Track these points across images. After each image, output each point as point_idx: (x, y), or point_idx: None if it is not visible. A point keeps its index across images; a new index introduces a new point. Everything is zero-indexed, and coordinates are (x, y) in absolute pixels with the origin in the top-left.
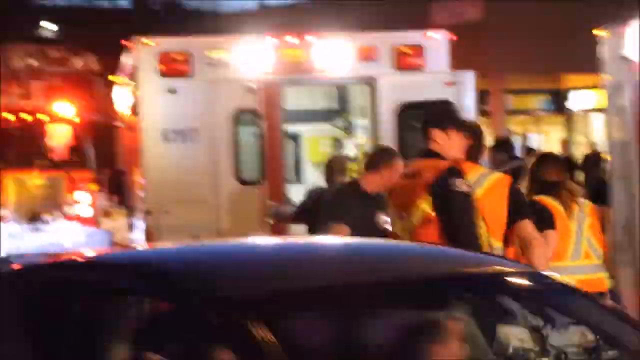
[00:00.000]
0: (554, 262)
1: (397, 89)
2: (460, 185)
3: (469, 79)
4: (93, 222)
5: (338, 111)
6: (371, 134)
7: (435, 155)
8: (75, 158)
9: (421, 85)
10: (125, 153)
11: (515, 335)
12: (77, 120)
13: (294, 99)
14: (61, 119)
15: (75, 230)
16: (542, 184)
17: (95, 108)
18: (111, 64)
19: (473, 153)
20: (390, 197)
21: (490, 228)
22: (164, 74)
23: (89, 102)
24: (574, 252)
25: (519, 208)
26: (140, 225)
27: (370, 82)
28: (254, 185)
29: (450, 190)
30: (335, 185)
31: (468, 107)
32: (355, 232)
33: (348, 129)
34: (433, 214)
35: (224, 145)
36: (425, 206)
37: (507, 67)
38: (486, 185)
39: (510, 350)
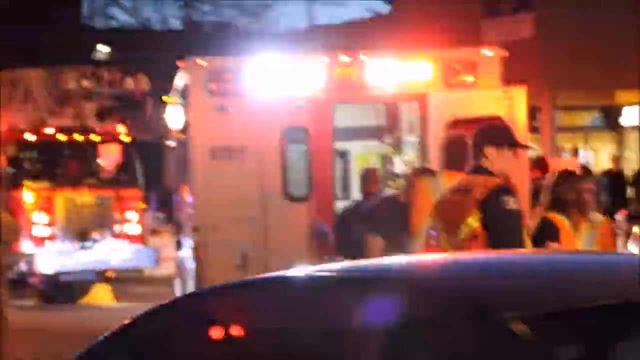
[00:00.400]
0: None
1: (448, 105)
2: (510, 203)
3: (520, 95)
4: (141, 239)
5: (388, 128)
6: (420, 150)
7: (486, 171)
8: (125, 177)
9: (472, 102)
10: (174, 171)
11: None
12: (127, 139)
13: (345, 117)
14: (111, 138)
15: (123, 248)
16: (556, 200)
17: (146, 128)
18: (162, 85)
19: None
20: (437, 211)
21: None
22: (214, 93)
23: (140, 122)
24: None
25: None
26: (187, 242)
27: (420, 99)
28: (301, 201)
29: (500, 207)
30: (372, 197)
31: (519, 123)
32: (390, 245)
33: (397, 146)
34: (480, 229)
35: (272, 162)
36: (473, 222)
37: (557, 83)
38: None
39: None
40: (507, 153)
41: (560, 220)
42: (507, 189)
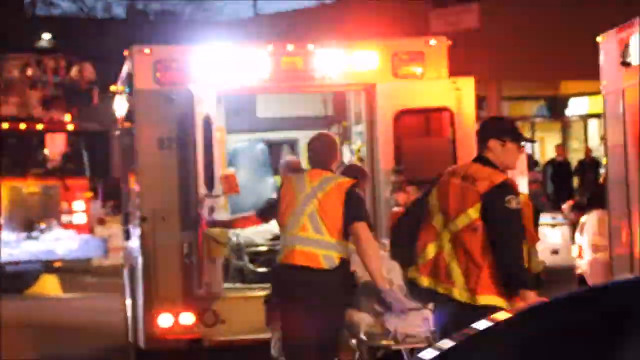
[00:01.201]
0: None
1: (396, 95)
2: (513, 202)
3: (468, 86)
4: (88, 229)
5: (335, 118)
6: (368, 140)
7: (489, 163)
8: (71, 166)
9: (420, 92)
10: (121, 161)
11: None
12: (72, 128)
13: (292, 106)
14: (57, 127)
15: (70, 238)
16: None
17: (91, 117)
18: (106, 73)
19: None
20: (438, 194)
21: (329, 227)
22: (160, 82)
23: (86, 111)
24: None
25: (354, 211)
26: (135, 232)
27: (368, 89)
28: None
29: (503, 205)
30: None
31: (467, 113)
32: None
33: (345, 136)
34: (479, 222)
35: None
36: (473, 213)
37: (504, 74)
38: (327, 189)
39: None
40: (511, 147)
41: None
42: (511, 187)
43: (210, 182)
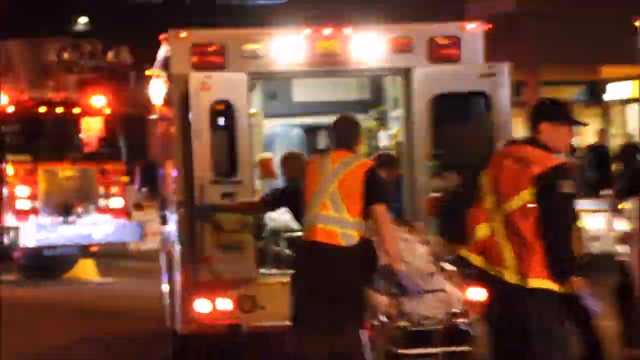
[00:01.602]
0: None
1: (432, 80)
2: (567, 187)
3: (504, 71)
4: (125, 214)
5: (372, 102)
6: (405, 125)
7: (540, 145)
8: (107, 150)
9: (457, 77)
10: (159, 145)
11: None
12: (109, 112)
13: (328, 90)
14: (94, 111)
15: (107, 222)
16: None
17: (128, 101)
18: (143, 57)
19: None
20: (489, 172)
21: (348, 206)
22: (196, 66)
23: (122, 95)
24: None
25: (374, 192)
26: (172, 217)
27: (405, 73)
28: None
29: (557, 190)
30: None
31: (503, 98)
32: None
33: (382, 120)
34: (533, 205)
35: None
36: (526, 196)
37: (542, 58)
38: (348, 169)
39: None
40: (562, 130)
41: None
42: (565, 171)
43: (230, 167)
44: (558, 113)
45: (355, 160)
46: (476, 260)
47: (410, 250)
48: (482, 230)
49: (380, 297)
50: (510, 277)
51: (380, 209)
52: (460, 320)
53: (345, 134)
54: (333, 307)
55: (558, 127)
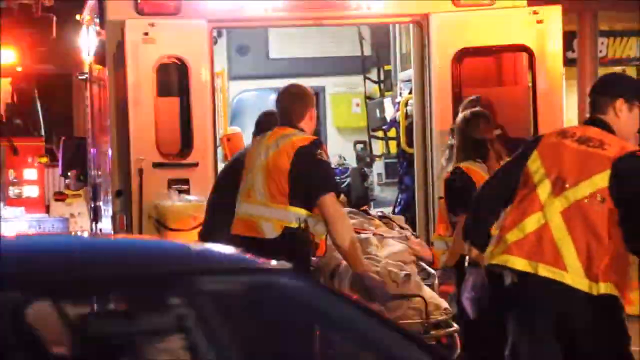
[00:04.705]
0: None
1: (456, 29)
2: None
3: (553, 17)
4: (42, 207)
5: (373, 60)
6: (418, 89)
7: (607, 128)
8: (19, 122)
9: (489, 26)
10: (89, 115)
11: None
12: (20, 70)
13: (316, 43)
14: (0, 69)
15: (19, 218)
16: (467, 147)
17: (48, 56)
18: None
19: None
20: (542, 154)
21: (272, 190)
22: (141, 12)
23: (39, 48)
24: None
25: (312, 177)
26: (107, 210)
27: (419, 21)
28: None
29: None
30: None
31: (552, 54)
32: None
33: (386, 84)
34: (607, 192)
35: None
36: (600, 181)
37: (601, 3)
38: (280, 147)
39: None
40: (636, 111)
41: (475, 170)
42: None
43: (182, 146)
44: (636, 91)
45: (292, 136)
46: (518, 263)
47: (382, 247)
48: (531, 223)
49: None
50: (573, 280)
51: (326, 201)
52: (443, 332)
53: (287, 108)
54: None
55: (635, 108)
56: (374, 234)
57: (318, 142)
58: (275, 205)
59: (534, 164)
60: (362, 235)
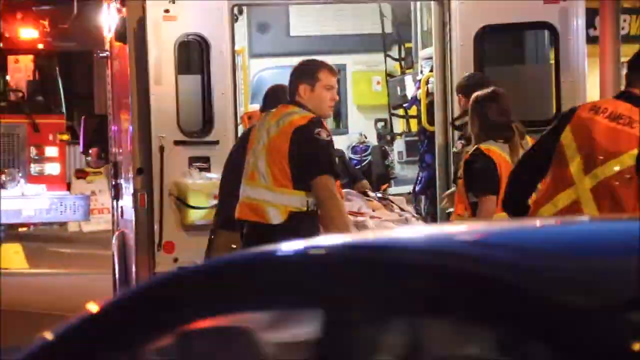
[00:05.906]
0: None
1: (477, 6)
2: None
3: None
4: (63, 184)
5: (394, 38)
6: (439, 67)
7: (639, 102)
8: (41, 99)
9: (511, 3)
10: (110, 93)
11: None
12: (42, 48)
13: (336, 21)
14: (22, 46)
15: (40, 195)
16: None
17: (69, 33)
18: None
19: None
20: (574, 129)
21: (274, 173)
22: None
23: (60, 26)
24: None
25: (308, 159)
26: (128, 188)
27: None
28: None
29: None
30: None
31: (575, 32)
32: None
33: (407, 62)
34: (635, 170)
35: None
36: (628, 160)
37: None
38: (281, 126)
39: None
40: None
41: (495, 151)
42: None
43: (203, 123)
44: None
45: (292, 115)
46: None
47: (378, 231)
48: (563, 199)
49: None
50: None
51: (320, 183)
52: None
53: (289, 84)
54: None
55: None
56: (371, 217)
57: (317, 120)
58: (279, 190)
59: (567, 138)
60: (359, 218)
